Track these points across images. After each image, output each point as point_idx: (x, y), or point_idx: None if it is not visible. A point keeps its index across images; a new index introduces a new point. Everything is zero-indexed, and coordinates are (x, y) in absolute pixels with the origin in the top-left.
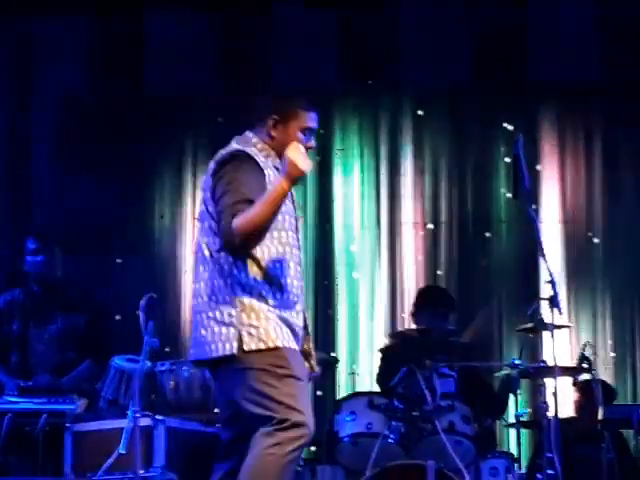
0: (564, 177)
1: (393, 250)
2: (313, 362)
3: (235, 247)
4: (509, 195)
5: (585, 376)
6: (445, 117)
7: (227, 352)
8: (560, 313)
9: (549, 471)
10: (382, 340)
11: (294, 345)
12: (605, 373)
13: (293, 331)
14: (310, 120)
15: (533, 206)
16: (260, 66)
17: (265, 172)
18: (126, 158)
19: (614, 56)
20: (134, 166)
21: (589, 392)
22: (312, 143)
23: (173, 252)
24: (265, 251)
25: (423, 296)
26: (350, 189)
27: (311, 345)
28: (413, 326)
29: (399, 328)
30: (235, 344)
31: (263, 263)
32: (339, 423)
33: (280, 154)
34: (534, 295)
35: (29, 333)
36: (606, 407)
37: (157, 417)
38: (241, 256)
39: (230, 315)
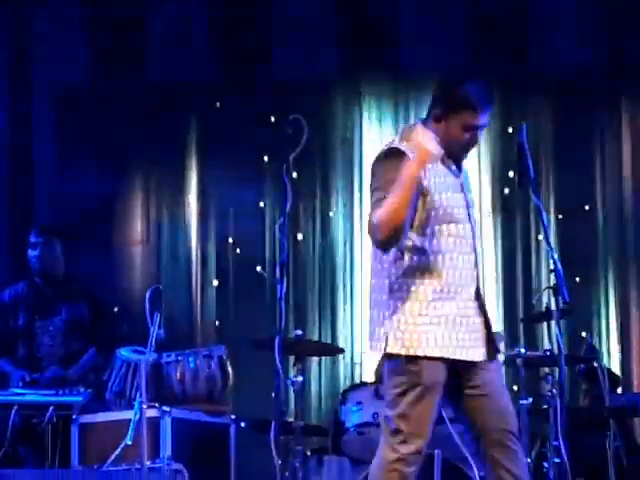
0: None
1: None
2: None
3: (377, 240)
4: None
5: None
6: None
7: (378, 350)
8: (565, 302)
9: (555, 459)
10: None
11: (442, 353)
12: (611, 361)
13: (460, 324)
14: (475, 118)
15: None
16: (260, 50)
17: None
18: (128, 146)
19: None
20: (136, 154)
21: (594, 380)
22: (476, 139)
23: (177, 242)
24: (420, 245)
25: None
26: None
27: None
28: None
29: None
30: (383, 344)
31: (417, 259)
32: (345, 413)
33: (446, 147)
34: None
35: (35, 326)
36: (612, 395)
37: (163, 408)
38: (395, 254)
39: (384, 316)
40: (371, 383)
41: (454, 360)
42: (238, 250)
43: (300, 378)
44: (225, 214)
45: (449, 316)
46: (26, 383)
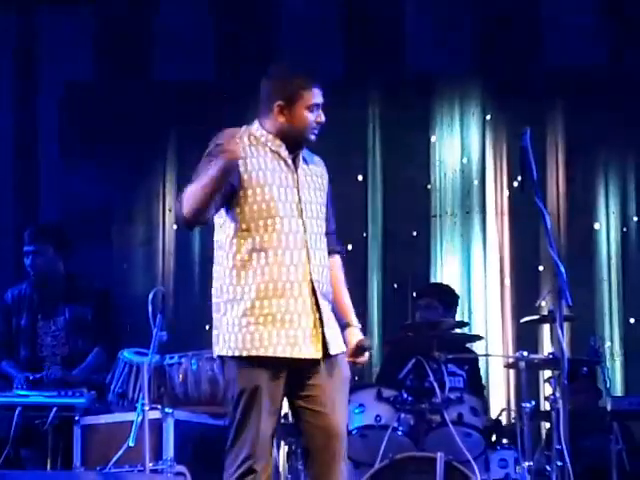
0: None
1: None
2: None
3: (178, 219)
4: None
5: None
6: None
7: (214, 354)
8: (569, 305)
9: (558, 463)
10: None
11: (269, 351)
12: (613, 365)
13: (289, 321)
14: (315, 97)
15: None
16: (263, 50)
17: (240, 161)
18: (133, 146)
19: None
20: (142, 154)
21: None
22: (322, 118)
23: (180, 243)
24: (241, 243)
25: (418, 292)
26: None
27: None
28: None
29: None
30: (216, 348)
31: (242, 257)
32: (348, 416)
33: (291, 137)
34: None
35: (37, 326)
36: (614, 399)
37: (166, 410)
38: (226, 255)
39: (217, 319)
40: (373, 385)
41: (288, 361)
42: None
43: None
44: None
45: (276, 314)
46: (30, 382)
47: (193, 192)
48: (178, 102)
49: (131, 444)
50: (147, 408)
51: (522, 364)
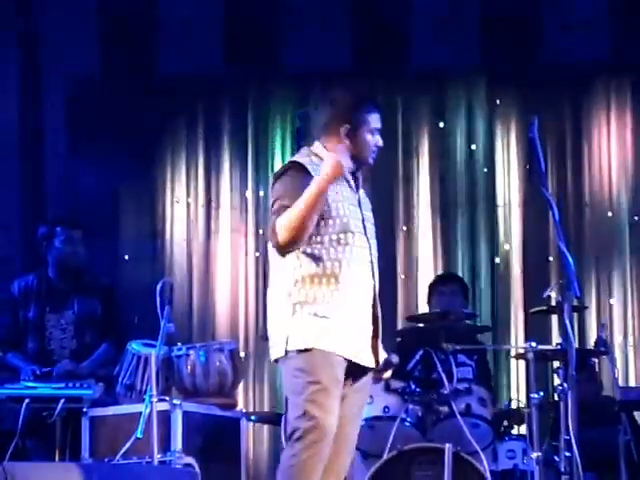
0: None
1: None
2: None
3: (277, 243)
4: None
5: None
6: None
7: (279, 353)
8: (578, 297)
9: (566, 453)
10: None
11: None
12: (621, 356)
13: (358, 328)
14: (376, 122)
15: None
16: (271, 47)
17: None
18: (141, 140)
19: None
20: (149, 148)
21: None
22: (380, 142)
23: (185, 237)
24: (315, 253)
25: (432, 281)
26: None
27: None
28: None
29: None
30: (279, 348)
31: (315, 266)
32: None
33: (353, 159)
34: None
35: (46, 319)
36: (623, 389)
37: (174, 401)
38: (293, 262)
39: (284, 319)
40: None
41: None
42: (249, 243)
43: None
44: (236, 206)
45: (347, 319)
46: (37, 376)
47: (297, 216)
48: (184, 95)
49: (139, 436)
50: (155, 400)
51: (531, 355)
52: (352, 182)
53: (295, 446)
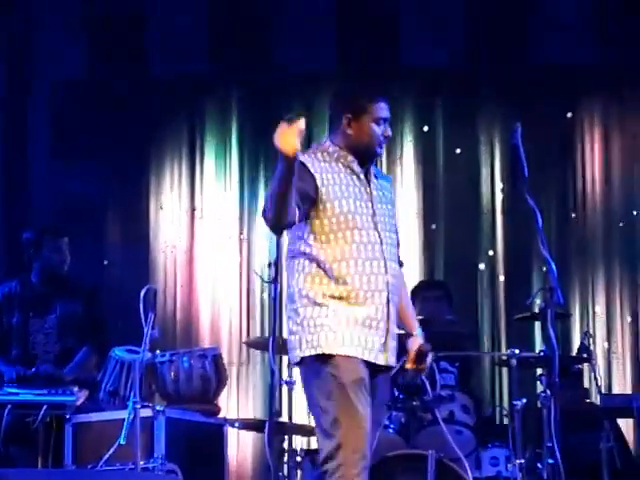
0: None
1: None
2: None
3: (266, 225)
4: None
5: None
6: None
7: (295, 360)
8: (561, 304)
9: (549, 460)
10: None
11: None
12: (603, 363)
13: (370, 327)
14: (380, 110)
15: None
16: (260, 48)
17: (316, 176)
18: (126, 144)
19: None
20: (134, 153)
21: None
22: (388, 132)
23: (174, 241)
24: (322, 253)
25: (415, 287)
26: None
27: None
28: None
29: None
30: (297, 352)
31: (321, 266)
32: None
33: (360, 150)
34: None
35: (29, 324)
36: (605, 396)
37: (157, 408)
38: (302, 264)
39: (295, 324)
40: None
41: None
42: (235, 250)
43: (294, 378)
44: (225, 212)
45: (358, 319)
46: (20, 378)
47: (270, 195)
48: (172, 98)
49: (122, 442)
50: (138, 406)
51: (514, 361)
52: (362, 176)
53: (324, 468)
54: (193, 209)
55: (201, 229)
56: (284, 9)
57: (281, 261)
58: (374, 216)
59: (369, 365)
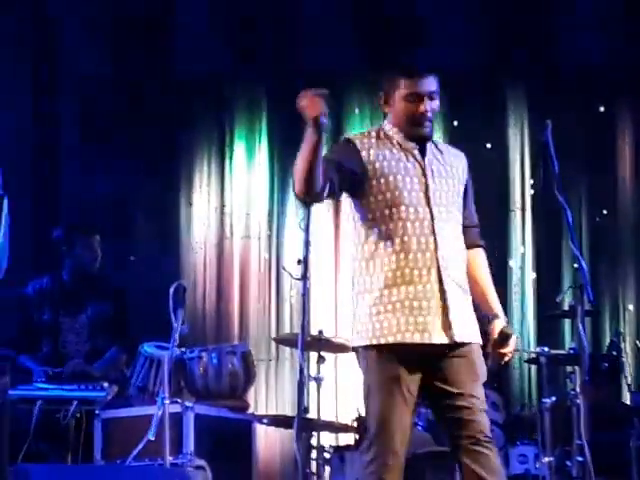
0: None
1: None
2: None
3: (293, 192)
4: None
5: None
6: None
7: (353, 344)
8: (591, 301)
9: (579, 458)
10: None
11: (400, 338)
12: (633, 361)
13: (418, 307)
14: (410, 86)
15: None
16: (280, 49)
17: (363, 153)
18: (156, 141)
19: None
20: (163, 149)
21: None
22: (423, 107)
23: (198, 240)
24: (369, 233)
25: None
26: None
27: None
28: None
29: None
30: (353, 340)
31: (370, 248)
32: None
33: (401, 127)
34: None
35: (60, 322)
36: (635, 394)
37: (186, 404)
38: (355, 248)
39: (352, 313)
40: None
41: (419, 348)
42: (264, 246)
43: (323, 375)
44: (254, 209)
45: (404, 301)
46: (49, 377)
47: (297, 165)
48: (196, 94)
49: (151, 438)
50: (167, 402)
51: (543, 359)
52: (416, 152)
53: (363, 458)
54: (222, 205)
55: (230, 225)
56: (304, 8)
57: (310, 258)
58: (426, 191)
59: (427, 347)
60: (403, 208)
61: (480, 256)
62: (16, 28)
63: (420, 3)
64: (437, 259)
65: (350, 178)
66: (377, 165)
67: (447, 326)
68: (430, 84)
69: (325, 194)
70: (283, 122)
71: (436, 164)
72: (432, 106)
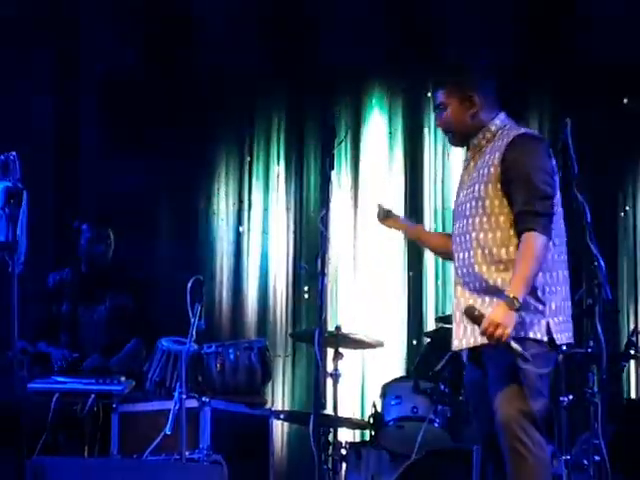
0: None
1: None
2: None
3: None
4: None
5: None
6: None
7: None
8: (609, 299)
9: (596, 457)
10: None
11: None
12: None
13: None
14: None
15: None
16: (307, 45)
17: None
18: (176, 138)
19: None
20: (183, 145)
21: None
22: (437, 121)
23: (219, 234)
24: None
25: None
26: None
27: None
28: None
29: None
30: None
31: None
32: (384, 407)
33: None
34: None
35: (78, 314)
36: None
37: (203, 399)
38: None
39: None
40: (410, 377)
41: None
42: (282, 242)
43: (340, 371)
44: (273, 205)
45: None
46: (67, 363)
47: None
48: (222, 88)
49: (168, 432)
50: (184, 397)
51: (560, 357)
52: (467, 163)
53: None
54: (241, 201)
55: (249, 221)
56: (331, 8)
57: (328, 254)
58: (457, 206)
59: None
60: (453, 224)
61: (522, 238)
62: (37, 21)
63: (438, 2)
64: (456, 275)
65: None
66: None
67: (459, 335)
68: (435, 99)
69: None
70: (301, 119)
71: (470, 174)
72: (440, 118)
